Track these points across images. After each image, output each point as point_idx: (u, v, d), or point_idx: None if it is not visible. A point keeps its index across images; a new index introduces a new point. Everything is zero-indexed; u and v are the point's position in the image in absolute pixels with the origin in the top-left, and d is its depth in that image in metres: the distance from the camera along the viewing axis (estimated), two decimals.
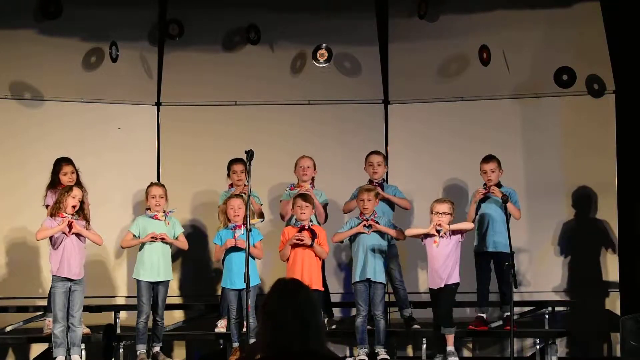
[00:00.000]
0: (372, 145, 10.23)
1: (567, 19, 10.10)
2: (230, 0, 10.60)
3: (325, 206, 9.43)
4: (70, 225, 8.42)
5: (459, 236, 8.60)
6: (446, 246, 8.55)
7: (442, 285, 8.57)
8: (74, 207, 8.49)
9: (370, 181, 9.37)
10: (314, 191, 9.30)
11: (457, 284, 8.65)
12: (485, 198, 9.16)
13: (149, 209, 8.93)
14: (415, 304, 9.54)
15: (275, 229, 9.82)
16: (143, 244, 8.82)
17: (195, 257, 10.33)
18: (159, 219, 8.86)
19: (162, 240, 8.79)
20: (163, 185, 9.07)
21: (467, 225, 8.75)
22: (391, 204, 9.42)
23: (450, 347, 8.61)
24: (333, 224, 9.40)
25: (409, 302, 9.47)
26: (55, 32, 10.18)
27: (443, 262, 8.54)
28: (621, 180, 9.83)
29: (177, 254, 10.00)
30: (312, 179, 9.44)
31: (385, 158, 9.54)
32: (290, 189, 9.34)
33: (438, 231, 8.52)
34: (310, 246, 8.70)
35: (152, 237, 8.75)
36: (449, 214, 8.57)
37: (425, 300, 9.76)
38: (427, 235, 8.63)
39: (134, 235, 8.87)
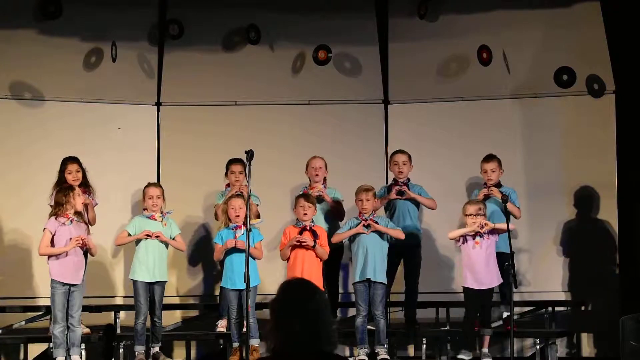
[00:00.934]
0: (372, 145, 10.24)
1: (567, 19, 10.09)
2: (230, 0, 10.60)
3: (340, 203, 9.41)
4: (81, 243, 8.41)
5: (496, 236, 8.61)
6: (488, 247, 8.57)
7: (487, 288, 8.59)
8: (82, 204, 8.50)
9: (396, 180, 9.38)
10: (327, 189, 9.32)
11: (500, 284, 8.72)
12: (485, 198, 9.15)
13: (146, 209, 8.92)
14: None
15: (276, 229, 9.83)
16: (138, 242, 8.80)
17: (195, 257, 10.35)
18: (156, 220, 8.84)
19: (157, 238, 8.76)
20: (160, 186, 9.06)
21: (510, 225, 8.70)
22: (416, 203, 9.41)
23: (485, 349, 8.66)
24: (332, 224, 9.41)
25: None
26: (55, 32, 10.18)
27: (486, 263, 8.56)
28: (621, 180, 9.83)
29: (177, 254, 10.00)
30: (324, 178, 9.43)
31: (410, 157, 9.48)
32: (303, 192, 9.30)
33: (480, 230, 8.53)
34: (313, 247, 8.70)
35: (146, 235, 8.72)
36: (483, 214, 8.58)
37: (425, 301, 9.77)
38: (466, 238, 8.62)
39: (129, 234, 8.85)
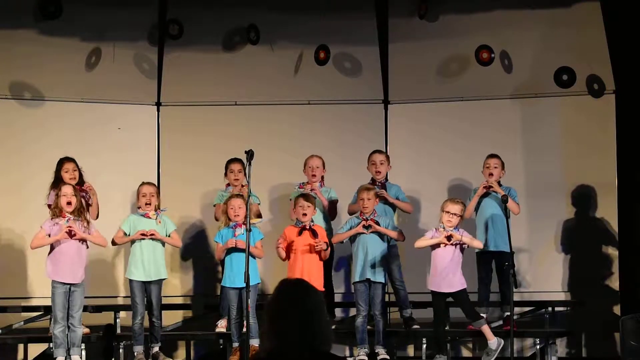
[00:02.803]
0: (372, 145, 10.22)
1: (567, 19, 10.10)
2: (230, 0, 10.60)
3: (335, 203, 9.40)
4: (70, 233, 8.39)
5: (465, 245, 8.58)
6: (454, 250, 8.52)
7: (452, 290, 8.53)
8: (69, 203, 8.46)
9: (373, 180, 9.36)
10: (323, 189, 9.30)
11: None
12: (486, 195, 9.14)
13: (140, 207, 8.90)
14: (415, 304, 9.54)
15: (276, 229, 9.83)
16: (133, 242, 8.78)
17: (195, 257, 10.35)
18: (150, 217, 8.83)
19: (152, 237, 8.73)
20: (154, 184, 9.04)
21: (478, 243, 8.62)
22: (392, 204, 9.39)
23: (491, 340, 8.59)
24: (333, 224, 9.40)
25: (410, 302, 9.46)
26: (55, 32, 10.18)
27: (451, 266, 8.49)
28: (621, 180, 9.83)
29: (177, 254, 10.01)
30: (322, 177, 9.42)
31: (388, 157, 9.50)
32: (299, 187, 9.31)
33: (448, 238, 8.49)
34: (325, 250, 8.67)
35: (141, 234, 8.71)
36: (459, 216, 8.54)
37: (425, 301, 9.76)
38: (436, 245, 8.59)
39: (125, 233, 8.84)
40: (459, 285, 8.56)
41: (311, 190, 9.22)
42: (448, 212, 8.54)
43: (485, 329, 8.65)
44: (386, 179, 9.48)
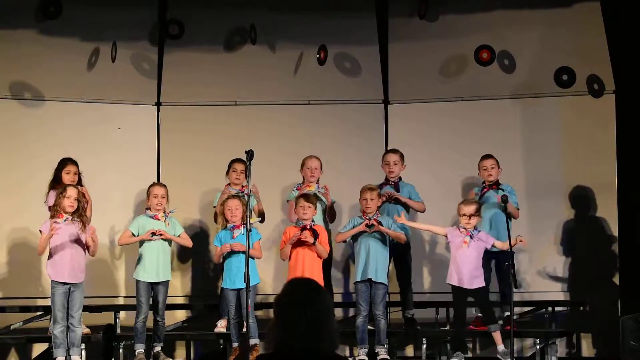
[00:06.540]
0: (372, 145, 10.25)
1: (567, 19, 10.11)
2: (230, 0, 10.60)
3: (332, 204, 9.39)
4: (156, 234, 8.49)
5: (486, 239, 8.58)
6: (477, 248, 8.52)
7: (474, 287, 8.52)
8: (70, 206, 8.45)
9: (387, 180, 9.35)
10: (321, 190, 9.28)
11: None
12: (484, 197, 9.15)
13: (149, 208, 8.91)
14: (415, 304, 9.54)
15: (275, 229, 9.83)
16: (142, 243, 8.79)
17: (195, 257, 10.35)
18: (159, 219, 8.83)
19: (161, 236, 8.72)
20: (165, 186, 9.04)
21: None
22: (406, 205, 9.36)
23: (500, 347, 8.58)
24: (333, 224, 9.40)
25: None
26: (55, 32, 10.18)
27: (474, 264, 8.49)
28: (621, 180, 9.83)
29: (179, 254, 10.01)
30: (318, 178, 9.42)
31: (403, 156, 9.46)
32: (297, 189, 9.31)
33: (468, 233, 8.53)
34: (313, 244, 8.68)
35: (151, 233, 8.70)
36: (478, 215, 8.54)
37: (425, 301, 9.77)
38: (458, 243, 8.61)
39: (133, 234, 8.83)
40: (479, 282, 8.56)
41: (317, 189, 9.21)
42: (464, 215, 8.55)
43: (497, 336, 8.63)
44: (400, 179, 9.45)
